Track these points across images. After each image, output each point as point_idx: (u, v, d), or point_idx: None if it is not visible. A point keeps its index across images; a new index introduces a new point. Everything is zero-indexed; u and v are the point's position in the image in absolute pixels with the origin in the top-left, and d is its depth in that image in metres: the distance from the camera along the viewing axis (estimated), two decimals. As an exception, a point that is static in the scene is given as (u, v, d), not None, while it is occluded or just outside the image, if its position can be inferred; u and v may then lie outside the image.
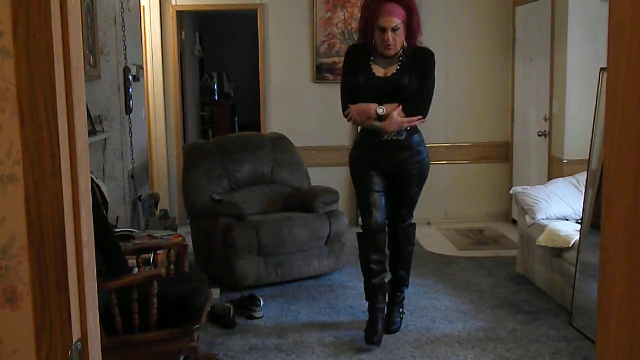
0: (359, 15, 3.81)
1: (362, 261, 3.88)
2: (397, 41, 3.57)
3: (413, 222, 3.98)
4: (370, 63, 3.67)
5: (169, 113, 6.74)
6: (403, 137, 3.68)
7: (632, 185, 0.88)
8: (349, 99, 3.72)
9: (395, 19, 3.51)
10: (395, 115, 3.58)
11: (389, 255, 3.91)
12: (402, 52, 3.64)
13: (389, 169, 3.75)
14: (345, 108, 3.75)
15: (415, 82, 3.62)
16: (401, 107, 3.59)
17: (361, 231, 3.86)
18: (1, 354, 1.02)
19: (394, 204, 3.85)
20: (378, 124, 3.61)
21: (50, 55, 0.98)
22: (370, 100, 3.62)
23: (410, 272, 4.04)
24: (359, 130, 4.03)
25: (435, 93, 3.75)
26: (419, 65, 3.66)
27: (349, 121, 3.76)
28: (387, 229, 3.84)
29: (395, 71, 3.63)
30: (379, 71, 3.66)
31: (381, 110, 3.58)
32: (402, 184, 3.78)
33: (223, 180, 5.22)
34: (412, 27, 3.58)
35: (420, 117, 3.63)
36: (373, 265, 3.77)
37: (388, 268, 3.89)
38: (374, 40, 3.63)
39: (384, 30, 3.53)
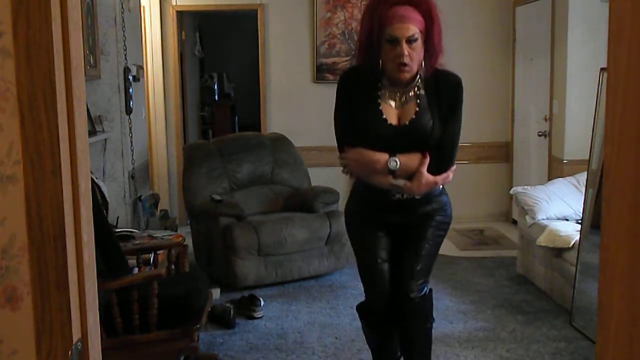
0: (358, 27, 2.78)
1: (369, 345, 3.01)
2: (413, 58, 2.55)
3: (429, 287, 2.82)
4: (378, 100, 2.64)
5: (169, 113, 6.74)
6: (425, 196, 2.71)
7: (632, 185, 0.87)
8: (346, 141, 2.71)
9: (412, 26, 2.52)
10: (425, 173, 2.60)
11: (399, 336, 2.84)
12: (419, 78, 2.65)
13: (402, 229, 2.77)
14: (341, 150, 2.74)
15: (439, 123, 2.65)
16: (427, 158, 2.61)
17: (363, 303, 2.90)
18: (1, 354, 1.02)
19: (403, 258, 2.76)
20: (400, 182, 2.61)
21: (50, 55, 0.98)
22: (379, 150, 2.61)
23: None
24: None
25: None
26: (445, 100, 2.67)
27: (346, 173, 2.78)
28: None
29: (414, 114, 2.61)
30: (390, 113, 2.63)
31: (394, 164, 2.58)
32: (416, 236, 2.77)
33: (223, 180, 5.22)
34: (432, 40, 2.59)
35: (452, 167, 2.71)
36: (384, 353, 2.90)
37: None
38: (380, 61, 2.61)
39: (396, 42, 2.52)
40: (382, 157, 2.58)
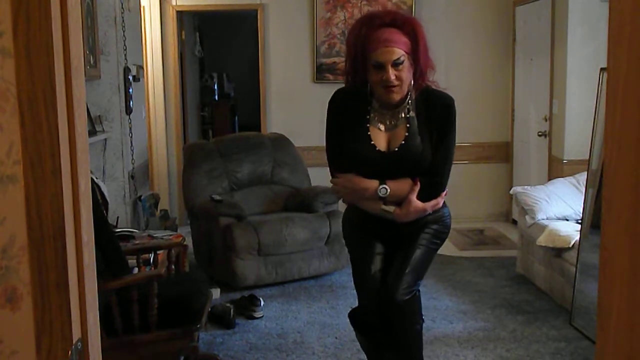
0: (346, 55, 2.69)
1: (364, 351, 2.96)
2: (402, 80, 2.52)
3: (417, 289, 2.74)
4: (367, 124, 2.60)
5: (169, 113, 6.74)
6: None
7: (632, 185, 0.87)
8: (336, 165, 2.67)
9: (397, 49, 2.48)
10: (414, 201, 2.56)
11: (383, 340, 2.75)
12: (409, 99, 2.59)
13: (398, 238, 2.73)
14: (332, 175, 2.69)
15: (429, 146, 2.59)
16: (418, 185, 2.57)
17: (355, 310, 2.87)
18: (1, 354, 1.02)
19: (393, 261, 2.73)
20: (390, 208, 2.59)
21: (50, 55, 0.98)
22: (369, 174, 2.59)
23: None
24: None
25: None
26: (436, 121, 2.60)
27: (338, 199, 2.80)
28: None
29: (403, 139, 2.57)
30: (379, 138, 2.60)
31: (384, 191, 2.56)
32: (409, 241, 2.72)
33: (223, 180, 5.22)
34: (418, 60, 2.55)
35: (444, 192, 2.66)
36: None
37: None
38: (368, 85, 2.59)
39: (381, 67, 2.49)
40: (372, 184, 2.55)
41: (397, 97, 2.55)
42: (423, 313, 2.85)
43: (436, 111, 2.60)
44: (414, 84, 2.58)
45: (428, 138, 2.58)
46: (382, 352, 2.77)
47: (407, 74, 2.52)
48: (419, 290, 2.76)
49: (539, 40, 5.98)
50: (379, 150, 2.58)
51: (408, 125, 2.59)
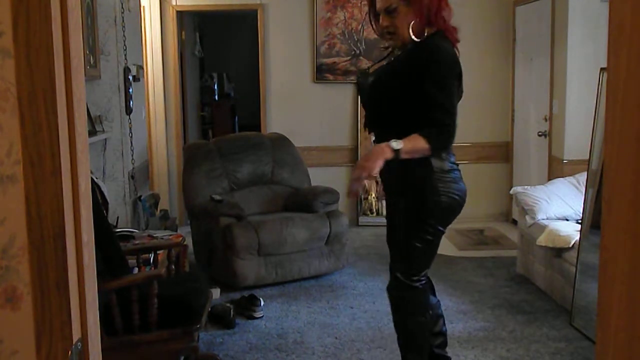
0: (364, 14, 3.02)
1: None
2: (397, 27, 2.54)
3: (416, 280, 2.76)
4: (377, 63, 2.80)
5: (169, 113, 6.74)
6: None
7: (632, 185, 0.88)
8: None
9: None
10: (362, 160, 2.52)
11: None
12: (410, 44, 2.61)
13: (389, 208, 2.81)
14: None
15: (398, 86, 2.59)
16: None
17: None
18: (1, 354, 1.02)
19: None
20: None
21: (50, 55, 0.98)
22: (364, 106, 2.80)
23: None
24: None
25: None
26: (415, 62, 2.57)
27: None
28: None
29: (374, 74, 2.69)
30: (373, 70, 2.75)
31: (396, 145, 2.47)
32: (391, 222, 2.80)
33: (223, 180, 5.22)
34: (420, 8, 2.53)
35: (426, 145, 2.49)
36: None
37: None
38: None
39: (379, 15, 2.60)
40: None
41: (392, 43, 2.63)
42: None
43: (419, 52, 2.57)
44: (416, 34, 2.55)
45: (403, 79, 2.57)
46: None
47: (402, 20, 2.54)
48: (418, 282, 2.72)
49: (539, 40, 5.98)
50: (366, 80, 2.71)
51: (388, 63, 2.69)
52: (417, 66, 2.55)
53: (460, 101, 2.76)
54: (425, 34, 2.59)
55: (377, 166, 2.42)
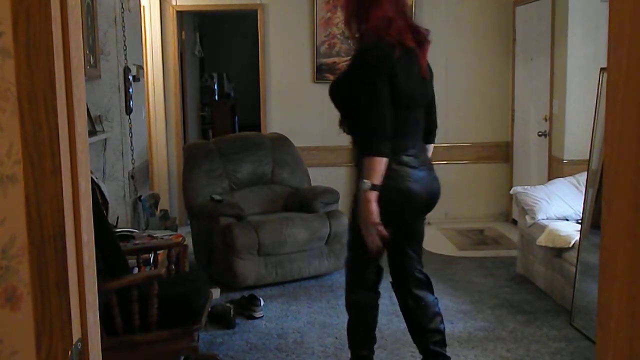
0: None
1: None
2: (345, 19, 2.75)
3: (349, 260, 3.02)
4: None
5: (169, 113, 6.74)
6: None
7: (632, 185, 0.88)
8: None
9: None
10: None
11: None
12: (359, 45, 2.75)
13: None
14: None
15: (341, 87, 2.76)
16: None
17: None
18: (1, 354, 1.02)
19: None
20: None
21: (50, 55, 0.98)
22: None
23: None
24: None
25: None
26: (351, 63, 2.74)
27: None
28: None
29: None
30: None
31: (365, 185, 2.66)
32: None
33: (223, 180, 5.22)
34: (346, 6, 2.72)
35: (368, 155, 2.57)
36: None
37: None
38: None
39: None
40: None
41: (346, 32, 2.81)
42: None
43: (355, 60, 2.70)
44: (358, 27, 2.68)
45: (349, 81, 2.68)
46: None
47: (347, 14, 2.71)
48: (351, 262, 2.95)
49: (539, 40, 5.98)
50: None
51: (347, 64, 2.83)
52: (352, 67, 2.70)
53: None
54: (360, 34, 2.69)
55: (373, 214, 2.56)
